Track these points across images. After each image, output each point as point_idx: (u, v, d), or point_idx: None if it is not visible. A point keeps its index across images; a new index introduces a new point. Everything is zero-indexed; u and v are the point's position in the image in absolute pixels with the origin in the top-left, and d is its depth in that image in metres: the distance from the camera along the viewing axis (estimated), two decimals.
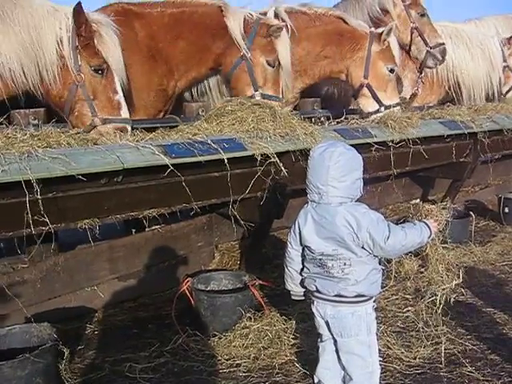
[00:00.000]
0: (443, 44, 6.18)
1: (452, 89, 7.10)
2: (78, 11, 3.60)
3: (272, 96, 4.74)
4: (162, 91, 4.71)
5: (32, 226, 3.36)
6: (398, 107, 5.48)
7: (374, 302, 2.92)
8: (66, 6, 3.71)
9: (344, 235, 2.76)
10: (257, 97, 4.64)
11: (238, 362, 3.57)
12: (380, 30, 5.37)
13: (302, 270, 3.01)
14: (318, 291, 2.89)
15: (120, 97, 3.84)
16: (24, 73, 3.55)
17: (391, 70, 5.41)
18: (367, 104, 5.45)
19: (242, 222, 4.27)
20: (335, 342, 2.93)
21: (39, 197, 3.11)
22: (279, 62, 4.81)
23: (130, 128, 3.84)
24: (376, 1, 6.05)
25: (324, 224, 2.81)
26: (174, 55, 4.69)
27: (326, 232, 2.81)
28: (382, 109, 5.36)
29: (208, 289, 4.28)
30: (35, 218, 3.34)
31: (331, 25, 5.49)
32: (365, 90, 5.41)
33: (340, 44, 5.44)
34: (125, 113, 3.84)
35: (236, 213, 4.32)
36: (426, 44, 6.09)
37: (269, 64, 4.75)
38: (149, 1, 4.76)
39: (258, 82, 4.70)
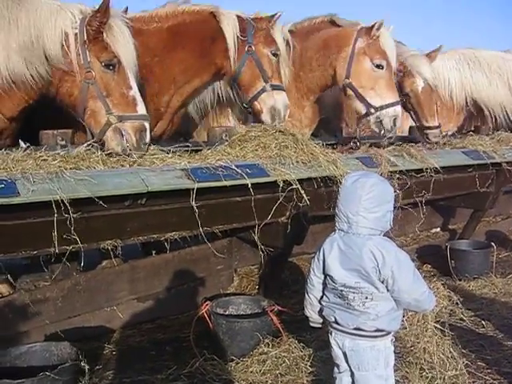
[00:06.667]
0: None
1: (478, 116, 7.01)
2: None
3: (280, 85, 4.69)
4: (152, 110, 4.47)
5: (56, 246, 3.44)
6: (395, 107, 5.00)
7: (393, 335, 2.87)
8: (71, 3, 3.60)
9: (369, 268, 2.71)
10: (267, 88, 4.59)
11: None
12: (371, 24, 4.99)
13: (322, 297, 2.97)
14: (336, 322, 2.84)
15: (135, 92, 3.66)
16: (30, 73, 3.43)
17: (378, 66, 4.98)
18: (353, 107, 5.11)
19: (262, 247, 4.27)
20: (352, 373, 2.88)
21: (67, 216, 3.15)
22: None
23: (147, 125, 3.67)
24: None
25: (350, 255, 2.77)
26: (170, 69, 4.57)
27: (351, 263, 2.76)
28: (372, 110, 4.96)
29: (226, 313, 4.30)
30: (60, 237, 3.40)
31: (321, 31, 5.33)
32: (349, 92, 5.05)
33: (327, 48, 5.21)
34: (141, 109, 3.66)
35: (256, 237, 4.34)
36: None
37: (273, 54, 4.70)
38: (140, 15, 4.63)
39: (268, 73, 4.63)
